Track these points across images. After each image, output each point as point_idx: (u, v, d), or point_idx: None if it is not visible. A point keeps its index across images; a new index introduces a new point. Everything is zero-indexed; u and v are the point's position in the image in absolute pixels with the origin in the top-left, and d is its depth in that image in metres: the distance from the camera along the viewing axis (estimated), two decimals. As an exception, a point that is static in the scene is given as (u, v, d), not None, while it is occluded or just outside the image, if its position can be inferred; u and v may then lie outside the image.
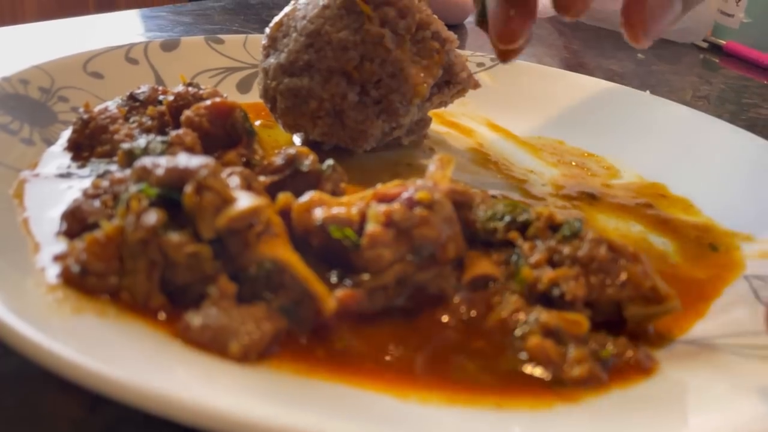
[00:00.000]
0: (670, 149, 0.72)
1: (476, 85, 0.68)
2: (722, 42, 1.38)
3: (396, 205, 0.43)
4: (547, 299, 0.42)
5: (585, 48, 1.33)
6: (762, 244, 0.55)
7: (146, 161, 0.42)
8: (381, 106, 0.62)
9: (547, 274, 0.42)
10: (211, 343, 0.35)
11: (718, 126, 0.73)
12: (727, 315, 0.46)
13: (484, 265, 0.45)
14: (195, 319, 0.36)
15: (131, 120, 0.57)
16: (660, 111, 0.77)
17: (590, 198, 0.64)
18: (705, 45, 1.41)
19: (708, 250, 0.56)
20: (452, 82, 0.66)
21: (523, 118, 0.78)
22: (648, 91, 0.83)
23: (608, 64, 1.22)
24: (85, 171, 0.52)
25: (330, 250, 0.43)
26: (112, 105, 0.58)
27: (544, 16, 1.49)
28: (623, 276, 0.42)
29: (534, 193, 0.64)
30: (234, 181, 0.43)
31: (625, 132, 0.76)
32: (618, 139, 0.75)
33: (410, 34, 0.61)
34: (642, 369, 0.39)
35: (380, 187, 0.46)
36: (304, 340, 0.38)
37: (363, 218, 0.44)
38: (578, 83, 0.84)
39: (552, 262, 0.44)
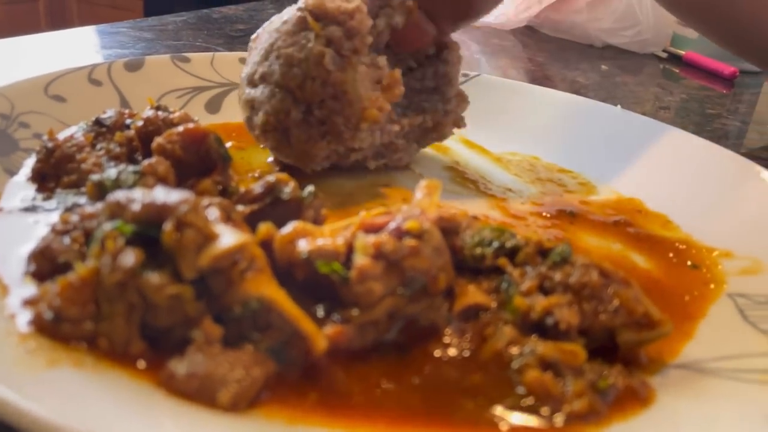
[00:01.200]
0: (644, 164, 0.72)
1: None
2: (681, 52, 1.41)
3: (384, 236, 0.41)
4: (540, 328, 0.41)
5: (550, 60, 1.35)
6: (742, 261, 0.55)
7: (120, 196, 0.40)
8: (325, 127, 0.60)
9: (540, 302, 0.41)
10: (199, 393, 0.33)
11: (689, 140, 0.73)
12: (716, 336, 0.46)
13: (474, 295, 0.44)
14: (179, 367, 0.34)
15: (98, 147, 0.55)
16: (631, 126, 0.78)
17: (570, 216, 0.63)
18: (665, 55, 1.44)
19: (689, 269, 0.56)
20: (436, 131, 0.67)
21: (496, 134, 0.78)
22: (619, 106, 0.83)
23: (573, 75, 1.23)
24: (52, 203, 0.49)
25: (315, 283, 0.41)
26: (78, 131, 0.56)
27: (507, 27, 1.50)
28: (615, 302, 0.41)
29: (514, 212, 0.63)
30: (213, 213, 0.41)
31: (598, 147, 0.76)
32: (591, 154, 0.75)
33: (357, 56, 0.59)
34: (639, 398, 0.39)
35: (366, 216, 0.44)
36: (296, 383, 0.36)
37: (349, 249, 0.42)
38: (549, 98, 0.84)
39: (543, 289, 0.43)
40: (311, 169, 0.63)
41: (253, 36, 0.65)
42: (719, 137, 0.98)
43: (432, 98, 0.67)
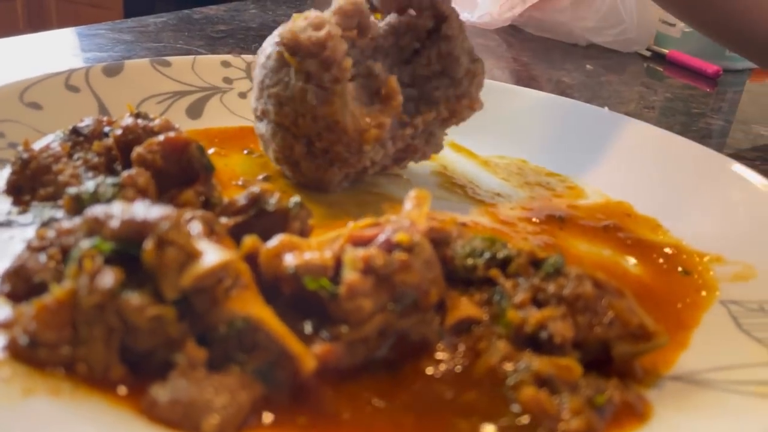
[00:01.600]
0: (633, 167, 0.72)
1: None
2: (665, 51, 1.41)
3: (374, 250, 0.40)
4: (534, 342, 0.40)
5: (535, 60, 1.34)
6: (734, 266, 0.55)
7: (98, 211, 0.38)
8: (330, 155, 0.60)
9: (534, 315, 0.40)
10: (183, 421, 0.32)
11: (678, 143, 0.73)
12: (710, 346, 0.46)
13: (466, 308, 0.42)
14: (162, 393, 0.32)
15: (76, 157, 0.53)
16: (619, 128, 0.77)
17: (559, 221, 0.63)
18: (648, 54, 1.44)
19: (680, 275, 0.55)
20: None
21: (483, 137, 0.77)
22: (606, 108, 0.83)
23: (559, 75, 1.22)
24: (28, 218, 0.47)
25: (303, 298, 0.40)
26: (54, 141, 0.54)
27: (491, 27, 1.49)
28: (610, 314, 0.41)
29: (503, 218, 0.62)
30: (196, 227, 0.40)
31: (586, 149, 0.75)
32: (579, 156, 0.74)
33: (339, 83, 0.57)
34: (636, 413, 0.38)
35: (354, 228, 0.43)
36: (284, 406, 0.35)
37: (338, 262, 0.41)
38: (535, 100, 0.83)
39: (537, 302, 0.42)
40: (333, 191, 0.63)
41: (252, 63, 0.66)
42: (703, 136, 0.98)
43: (442, 83, 0.64)
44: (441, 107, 0.64)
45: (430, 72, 0.64)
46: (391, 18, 0.64)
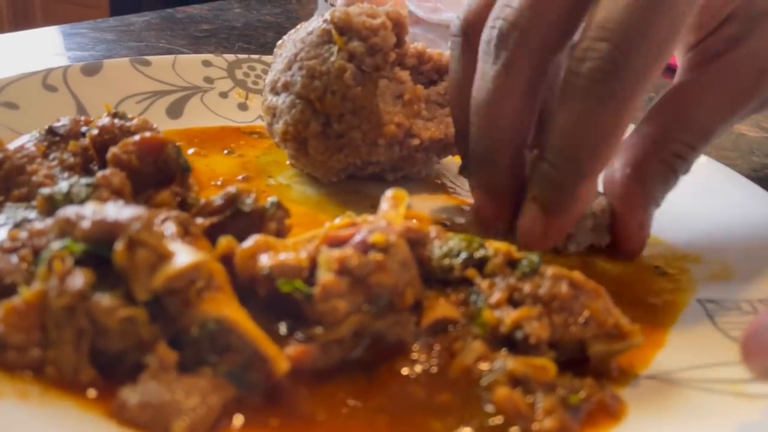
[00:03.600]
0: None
1: None
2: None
3: (349, 250, 0.40)
4: (510, 342, 0.40)
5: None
6: (712, 266, 0.55)
7: (69, 212, 0.38)
8: (343, 140, 0.60)
9: (510, 315, 0.40)
10: (152, 423, 0.32)
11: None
12: (686, 344, 0.46)
13: (443, 308, 0.42)
14: (132, 396, 0.32)
15: (51, 157, 0.52)
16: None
17: (539, 221, 0.62)
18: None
19: (657, 275, 0.55)
20: None
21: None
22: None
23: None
24: (1, 219, 0.47)
25: (278, 299, 0.40)
26: (29, 141, 0.53)
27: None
28: (586, 313, 0.41)
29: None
30: (169, 228, 0.40)
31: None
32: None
33: (378, 72, 0.59)
34: (610, 413, 0.38)
35: (330, 228, 0.43)
36: (257, 408, 0.35)
37: (313, 263, 0.41)
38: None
39: (513, 301, 0.42)
40: (328, 180, 0.63)
41: (279, 42, 0.66)
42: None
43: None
44: (449, 132, 0.64)
45: (444, 101, 0.65)
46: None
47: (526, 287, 0.42)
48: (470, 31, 0.53)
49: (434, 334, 0.41)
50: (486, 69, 0.49)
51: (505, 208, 0.52)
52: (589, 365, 0.41)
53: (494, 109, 0.49)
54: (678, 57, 0.58)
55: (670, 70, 1.26)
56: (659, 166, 0.52)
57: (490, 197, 0.53)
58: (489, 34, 0.49)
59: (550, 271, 0.43)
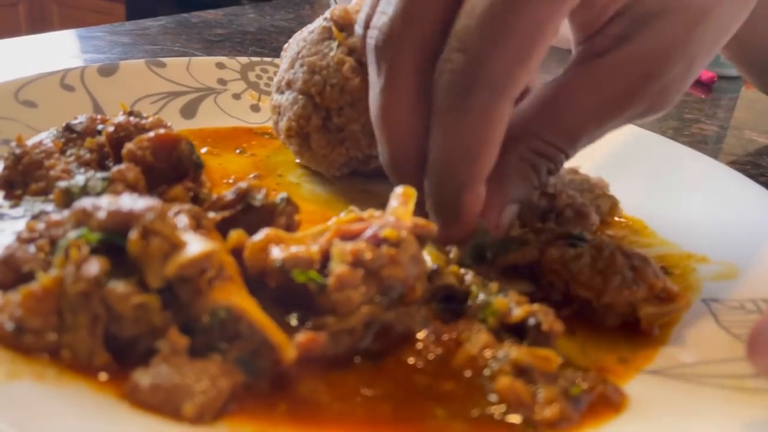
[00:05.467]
0: (620, 169, 0.72)
1: None
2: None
3: (362, 244, 0.41)
4: (519, 331, 0.41)
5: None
6: (717, 266, 0.56)
7: (86, 203, 0.39)
8: (343, 134, 0.61)
9: (523, 306, 0.41)
10: (163, 405, 0.33)
11: (667, 145, 0.74)
12: (689, 341, 0.46)
13: (448, 277, 0.44)
14: (144, 379, 0.33)
15: (68, 153, 0.54)
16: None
17: (546, 221, 0.63)
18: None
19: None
20: None
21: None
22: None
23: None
24: (19, 211, 0.48)
25: (288, 291, 0.41)
26: (47, 137, 0.55)
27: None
28: (637, 279, 0.45)
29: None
30: (182, 221, 0.41)
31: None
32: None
33: None
34: (611, 405, 0.39)
35: (341, 223, 0.44)
36: (264, 394, 0.35)
37: (324, 256, 0.42)
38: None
39: (567, 269, 0.46)
40: (332, 175, 0.64)
41: (285, 45, 0.68)
42: (698, 142, 0.99)
43: None
44: None
45: None
46: None
47: (585, 258, 0.46)
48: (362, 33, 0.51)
49: (444, 302, 0.44)
50: (373, 80, 0.48)
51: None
52: (640, 326, 0.45)
53: (387, 122, 0.48)
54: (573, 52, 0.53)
55: (698, 82, 1.25)
56: (517, 164, 0.48)
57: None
58: (369, 44, 0.47)
59: (605, 242, 0.47)
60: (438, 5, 0.45)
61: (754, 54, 0.91)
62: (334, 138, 0.62)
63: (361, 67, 0.60)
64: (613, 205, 0.63)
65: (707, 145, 1.00)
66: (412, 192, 0.48)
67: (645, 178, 0.70)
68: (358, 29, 0.52)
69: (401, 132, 0.48)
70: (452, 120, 0.44)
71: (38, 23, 3.80)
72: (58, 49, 1.01)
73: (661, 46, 0.47)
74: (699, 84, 1.32)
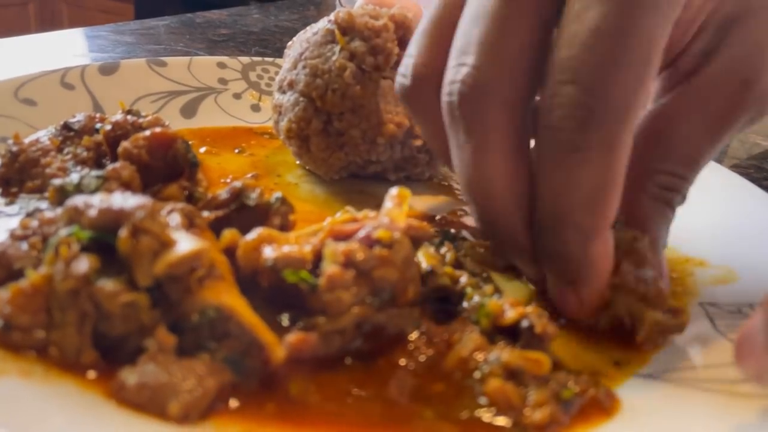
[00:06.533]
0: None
1: None
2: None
3: (354, 244, 0.41)
4: (511, 334, 0.41)
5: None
6: (716, 270, 0.55)
7: (78, 201, 0.39)
8: (343, 138, 0.61)
9: (517, 309, 0.41)
10: (149, 404, 0.32)
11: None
12: (685, 345, 0.46)
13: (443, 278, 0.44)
14: (130, 377, 0.33)
15: (65, 151, 0.54)
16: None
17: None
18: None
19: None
20: None
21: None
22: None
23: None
24: (14, 208, 0.48)
25: (280, 291, 0.41)
26: (45, 135, 0.55)
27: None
28: (653, 288, 0.44)
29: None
30: (174, 219, 0.41)
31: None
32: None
33: (379, 72, 0.61)
34: (603, 408, 0.38)
35: (334, 223, 0.44)
36: (253, 394, 0.35)
37: (317, 257, 0.42)
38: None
39: None
40: (330, 177, 0.64)
41: (289, 43, 0.68)
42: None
43: None
44: None
45: None
46: None
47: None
48: (424, 87, 0.47)
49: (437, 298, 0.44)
50: (459, 142, 0.43)
51: (531, 273, 0.47)
52: (636, 336, 0.43)
53: (483, 186, 0.43)
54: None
55: None
56: (651, 204, 0.47)
57: (523, 264, 0.47)
58: (448, 102, 0.43)
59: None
60: (528, 45, 0.41)
61: None
62: (334, 142, 0.62)
63: (363, 74, 0.60)
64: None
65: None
66: (407, 193, 0.48)
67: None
68: (403, 79, 0.48)
69: (504, 198, 0.43)
70: (572, 160, 0.39)
71: (48, 23, 3.82)
72: (64, 48, 1.01)
73: (751, 50, 0.45)
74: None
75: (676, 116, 0.47)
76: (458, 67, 0.42)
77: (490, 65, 0.41)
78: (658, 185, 0.46)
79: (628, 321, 0.44)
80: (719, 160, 0.71)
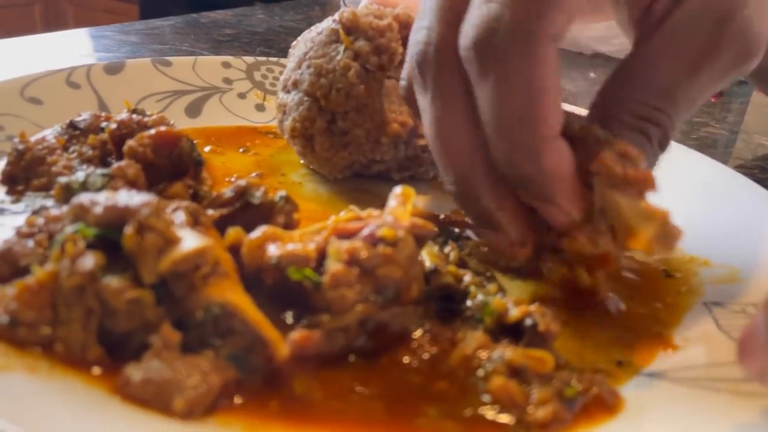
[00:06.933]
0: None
1: None
2: (671, 61, 1.40)
3: (358, 242, 0.41)
4: (514, 332, 0.41)
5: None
6: (720, 269, 0.55)
7: (83, 198, 0.39)
8: (347, 138, 0.62)
9: (520, 308, 0.41)
10: (154, 399, 0.33)
11: (671, 147, 0.73)
12: (689, 344, 0.46)
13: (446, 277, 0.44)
14: (135, 373, 0.33)
15: (71, 150, 0.54)
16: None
17: (549, 223, 0.63)
18: (654, 63, 1.44)
19: (663, 277, 0.55)
20: None
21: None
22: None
23: (562, 83, 1.23)
24: (20, 206, 0.49)
25: (285, 289, 0.41)
26: (50, 134, 0.55)
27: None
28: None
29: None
30: (179, 217, 0.41)
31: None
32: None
33: (383, 72, 0.61)
34: (606, 407, 0.38)
35: (338, 222, 0.44)
36: (257, 390, 0.35)
37: (320, 255, 0.42)
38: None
39: None
40: (334, 177, 0.65)
41: (293, 43, 0.68)
42: (708, 146, 0.98)
43: None
44: None
45: None
46: None
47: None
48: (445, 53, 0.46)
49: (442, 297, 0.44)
50: (422, 104, 0.45)
51: (513, 232, 0.46)
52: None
53: (440, 141, 0.44)
54: (627, 34, 0.50)
55: None
56: (627, 133, 0.45)
57: (487, 227, 0.46)
58: (410, 65, 0.45)
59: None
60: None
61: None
62: (338, 141, 0.62)
63: (367, 73, 0.61)
64: None
65: (716, 149, 0.99)
66: (411, 192, 0.48)
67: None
68: (425, 47, 0.47)
69: (458, 148, 0.44)
70: (495, 77, 0.40)
71: (53, 23, 3.84)
72: (69, 48, 1.02)
73: None
74: (709, 88, 1.31)
75: (651, 55, 0.46)
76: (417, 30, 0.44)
77: (437, 23, 0.43)
78: (631, 114, 0.45)
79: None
80: (724, 161, 0.71)
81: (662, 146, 0.47)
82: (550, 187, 0.42)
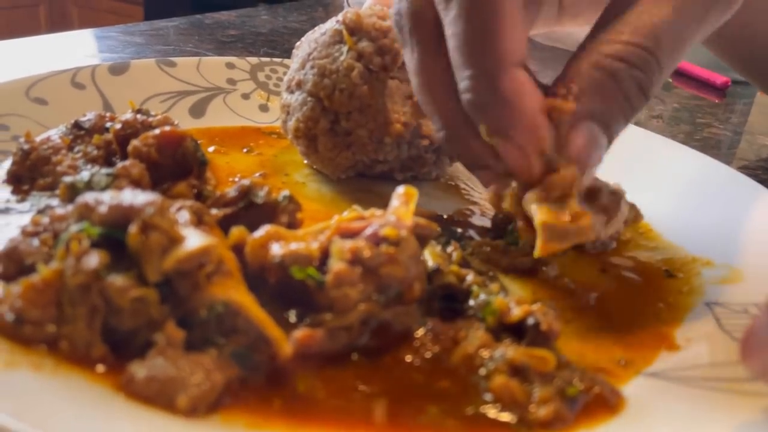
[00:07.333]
0: (626, 171, 0.72)
1: None
2: (674, 61, 1.40)
3: (361, 242, 0.41)
4: (516, 331, 0.41)
5: (543, 68, 1.34)
6: (722, 270, 0.55)
7: (88, 198, 0.40)
8: (350, 138, 0.62)
9: (522, 307, 0.41)
10: (157, 397, 0.33)
11: (674, 148, 0.73)
12: (691, 344, 0.46)
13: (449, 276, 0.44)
14: (139, 371, 0.34)
15: (76, 150, 0.55)
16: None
17: (551, 223, 0.63)
18: (658, 64, 1.44)
19: (664, 277, 0.55)
20: None
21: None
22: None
23: (565, 84, 1.23)
24: (25, 206, 0.49)
25: (288, 287, 0.41)
26: (56, 134, 0.56)
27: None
28: None
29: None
30: (183, 216, 0.41)
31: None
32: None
33: (386, 72, 0.61)
34: (608, 406, 0.38)
35: (341, 221, 0.44)
36: (260, 388, 0.36)
37: (324, 254, 0.42)
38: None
39: None
40: (337, 177, 0.65)
41: (297, 43, 0.68)
42: (711, 147, 0.98)
43: None
44: None
45: None
46: None
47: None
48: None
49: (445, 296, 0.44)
50: (406, 60, 0.49)
51: (499, 165, 0.46)
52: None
53: (424, 89, 0.48)
54: None
55: (711, 87, 1.22)
56: (590, 72, 0.42)
57: (474, 170, 0.49)
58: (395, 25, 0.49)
59: None
60: None
61: (751, 52, 0.90)
62: (341, 142, 0.62)
63: (370, 74, 0.61)
64: (637, 213, 0.62)
65: (720, 150, 0.99)
66: (414, 192, 0.49)
67: (651, 180, 0.69)
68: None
69: (435, 96, 0.47)
70: (456, 4, 0.42)
71: (58, 24, 3.85)
72: (74, 48, 1.02)
73: None
74: (712, 88, 1.31)
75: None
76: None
77: None
78: (604, 54, 0.42)
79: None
80: (728, 162, 0.71)
81: (644, 90, 0.43)
82: (507, 117, 0.41)
